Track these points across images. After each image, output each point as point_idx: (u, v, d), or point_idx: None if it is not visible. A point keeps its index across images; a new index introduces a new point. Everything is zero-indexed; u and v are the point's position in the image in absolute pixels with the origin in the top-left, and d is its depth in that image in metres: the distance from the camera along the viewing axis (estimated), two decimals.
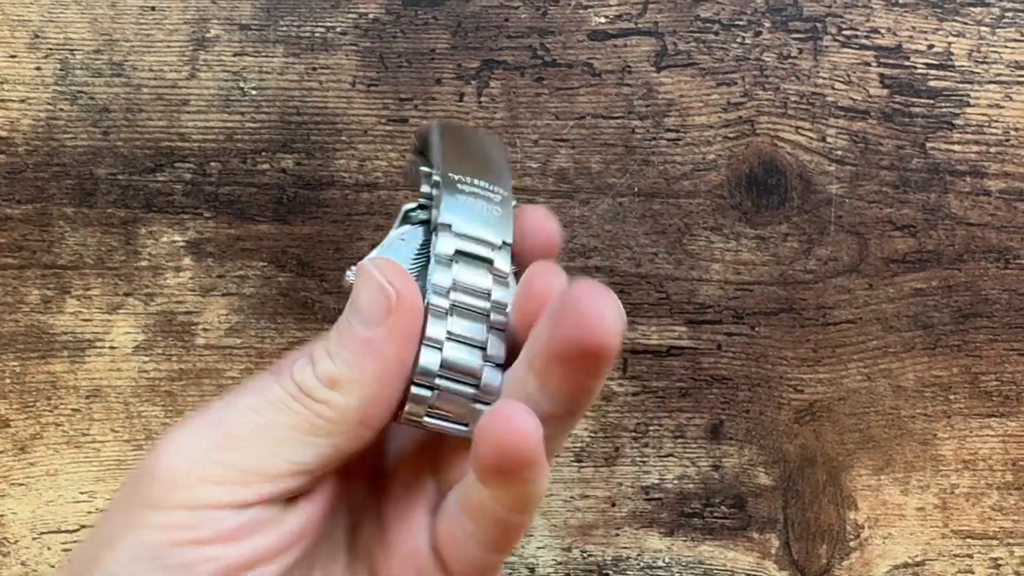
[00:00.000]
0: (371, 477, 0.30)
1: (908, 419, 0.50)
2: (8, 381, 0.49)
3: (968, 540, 0.50)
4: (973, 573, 0.50)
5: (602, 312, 0.24)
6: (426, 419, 0.27)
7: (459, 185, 0.29)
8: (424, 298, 0.27)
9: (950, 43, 0.51)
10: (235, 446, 0.26)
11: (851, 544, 0.50)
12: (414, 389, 0.27)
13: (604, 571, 0.50)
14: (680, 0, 0.50)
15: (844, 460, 0.50)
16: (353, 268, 0.28)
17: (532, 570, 0.49)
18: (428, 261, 0.28)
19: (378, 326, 0.27)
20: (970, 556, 0.50)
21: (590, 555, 0.50)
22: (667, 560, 0.50)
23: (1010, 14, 0.51)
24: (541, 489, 0.25)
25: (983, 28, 0.50)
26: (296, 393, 0.27)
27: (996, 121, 0.50)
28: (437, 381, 0.27)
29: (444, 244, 0.28)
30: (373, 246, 0.30)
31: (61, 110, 0.50)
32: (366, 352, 0.26)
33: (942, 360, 0.50)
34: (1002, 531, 0.50)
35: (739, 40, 0.50)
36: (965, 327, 0.50)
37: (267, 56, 0.50)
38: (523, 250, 0.29)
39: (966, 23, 0.50)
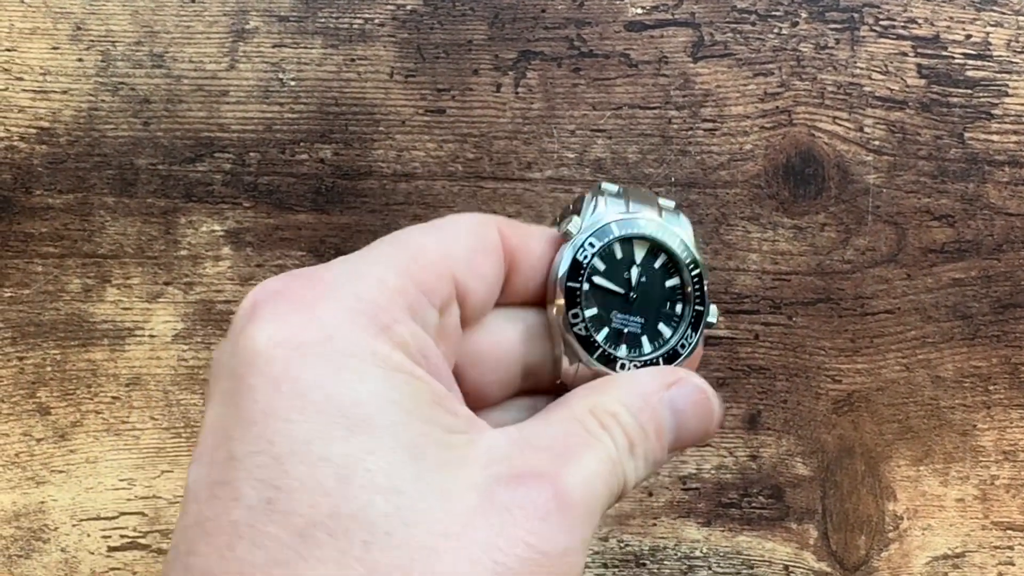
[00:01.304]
0: None
1: (947, 410, 0.50)
2: (49, 369, 0.50)
3: (1009, 532, 0.49)
4: (1014, 565, 0.49)
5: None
6: None
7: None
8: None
9: (988, 33, 0.50)
10: None
11: (890, 535, 0.49)
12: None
13: (641, 561, 0.49)
14: None
15: (883, 451, 0.50)
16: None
17: None
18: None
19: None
20: (1011, 548, 0.49)
21: (627, 545, 0.49)
22: (704, 550, 0.49)
23: None
24: None
25: (1021, 18, 0.50)
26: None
27: None
28: None
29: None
30: None
31: (102, 101, 0.50)
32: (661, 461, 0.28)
33: (981, 350, 0.50)
34: None
35: (776, 30, 0.50)
36: (1004, 317, 0.50)
37: (306, 47, 0.51)
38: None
39: (1004, 13, 0.50)
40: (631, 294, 0.30)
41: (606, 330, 0.30)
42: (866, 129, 0.50)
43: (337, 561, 0.22)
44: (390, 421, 0.24)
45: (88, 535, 0.49)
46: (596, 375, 0.29)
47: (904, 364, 0.50)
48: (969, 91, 0.50)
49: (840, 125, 0.50)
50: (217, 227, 0.50)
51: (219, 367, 0.25)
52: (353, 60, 0.51)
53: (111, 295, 0.50)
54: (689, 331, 0.30)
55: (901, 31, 0.50)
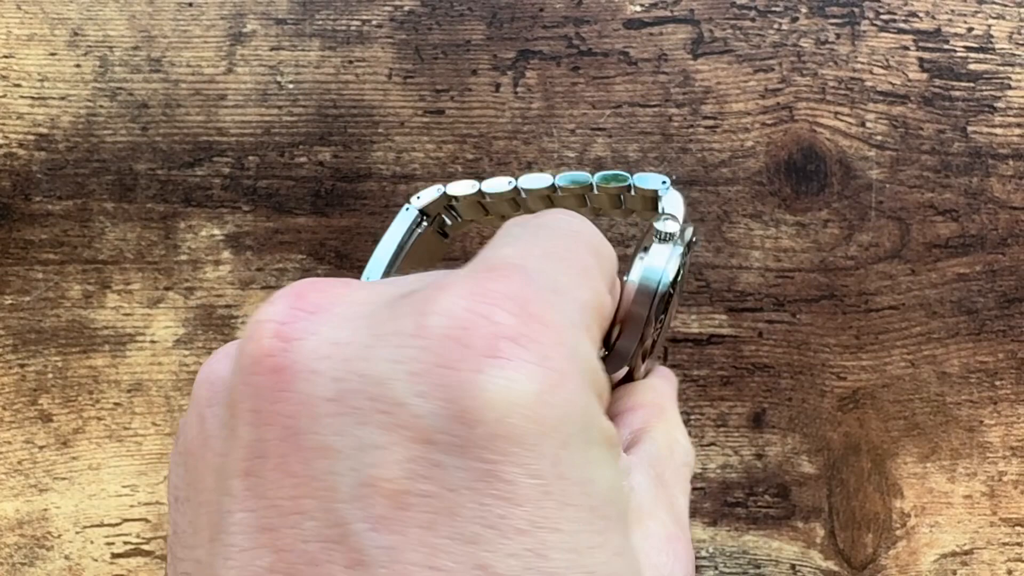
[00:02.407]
0: None
1: (954, 406, 0.49)
2: (50, 376, 0.50)
3: (1017, 528, 0.49)
4: (1023, 561, 0.49)
5: None
6: None
7: None
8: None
9: (990, 25, 0.50)
10: None
11: (897, 533, 0.49)
12: None
13: None
14: None
15: (889, 448, 0.49)
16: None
17: None
18: None
19: None
20: (1020, 544, 0.49)
21: None
22: (711, 550, 0.49)
23: None
24: None
25: (1023, 10, 0.50)
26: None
27: None
28: None
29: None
30: None
31: (101, 106, 0.50)
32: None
33: (987, 345, 0.49)
34: None
35: (776, 26, 0.50)
36: (1010, 312, 0.49)
37: (303, 50, 0.50)
38: None
39: (1006, 5, 0.50)
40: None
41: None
42: (868, 124, 0.50)
43: None
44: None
45: (92, 542, 0.49)
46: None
47: (909, 360, 0.49)
48: (972, 84, 0.50)
49: (842, 120, 0.50)
50: (217, 231, 0.50)
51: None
52: (351, 62, 0.50)
53: (112, 301, 0.50)
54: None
55: (902, 25, 0.50)
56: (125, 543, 0.49)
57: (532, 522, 0.18)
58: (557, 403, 0.18)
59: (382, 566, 0.17)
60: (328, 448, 0.18)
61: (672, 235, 0.27)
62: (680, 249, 0.27)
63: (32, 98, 0.50)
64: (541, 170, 0.50)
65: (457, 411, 0.18)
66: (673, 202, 0.30)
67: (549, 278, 0.20)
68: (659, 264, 0.27)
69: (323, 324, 0.20)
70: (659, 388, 0.28)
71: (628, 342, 0.26)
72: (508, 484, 0.18)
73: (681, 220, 0.28)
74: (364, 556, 0.17)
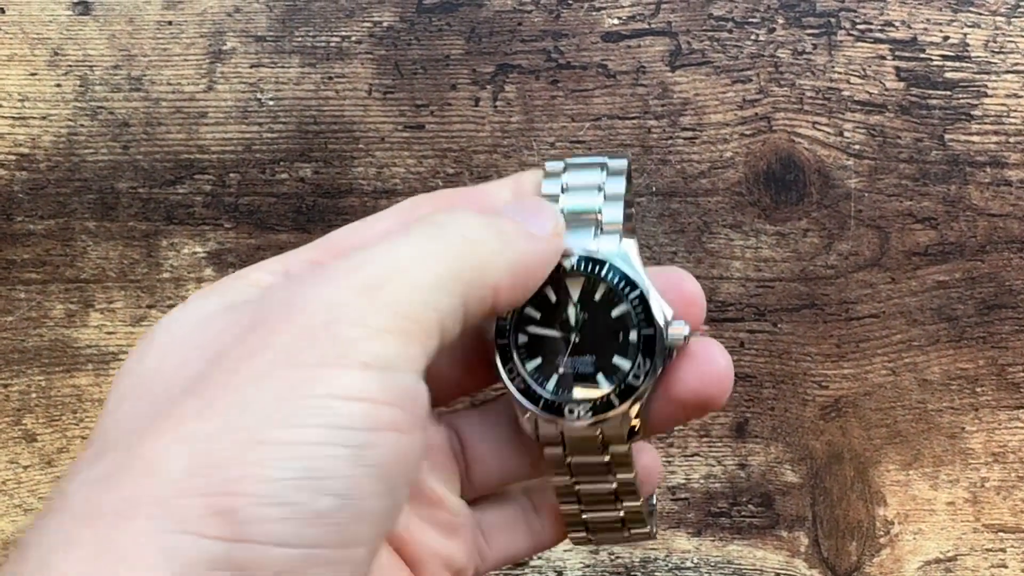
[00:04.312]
0: None
1: (935, 413, 0.49)
2: (34, 395, 0.50)
3: (1000, 534, 0.49)
4: (1007, 567, 0.49)
5: (725, 373, 0.29)
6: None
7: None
8: None
9: (965, 34, 0.50)
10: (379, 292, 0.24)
11: (881, 540, 0.49)
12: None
13: (632, 573, 0.49)
14: None
15: (871, 456, 0.49)
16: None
17: (560, 573, 0.49)
18: None
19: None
20: (1003, 550, 0.49)
21: (618, 557, 0.49)
22: (695, 560, 0.49)
23: None
24: None
25: (998, 18, 0.50)
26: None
27: (1015, 111, 0.50)
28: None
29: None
30: None
31: (82, 126, 0.50)
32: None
33: (968, 352, 0.50)
34: None
35: (753, 37, 0.50)
36: (990, 319, 0.50)
37: (283, 67, 0.51)
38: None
39: (981, 13, 0.50)
40: (572, 336, 0.29)
41: (555, 378, 0.29)
42: (846, 133, 0.50)
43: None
44: None
45: None
46: (564, 429, 0.28)
47: (890, 368, 0.50)
48: (948, 93, 0.50)
49: (820, 130, 0.50)
50: (199, 249, 0.50)
51: None
52: (331, 78, 0.51)
53: (95, 320, 0.50)
54: (641, 358, 0.28)
55: (878, 34, 0.50)
56: None
57: None
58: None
59: None
60: None
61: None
62: None
63: (13, 118, 0.50)
64: None
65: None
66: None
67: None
68: None
69: None
70: None
71: None
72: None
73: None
74: None
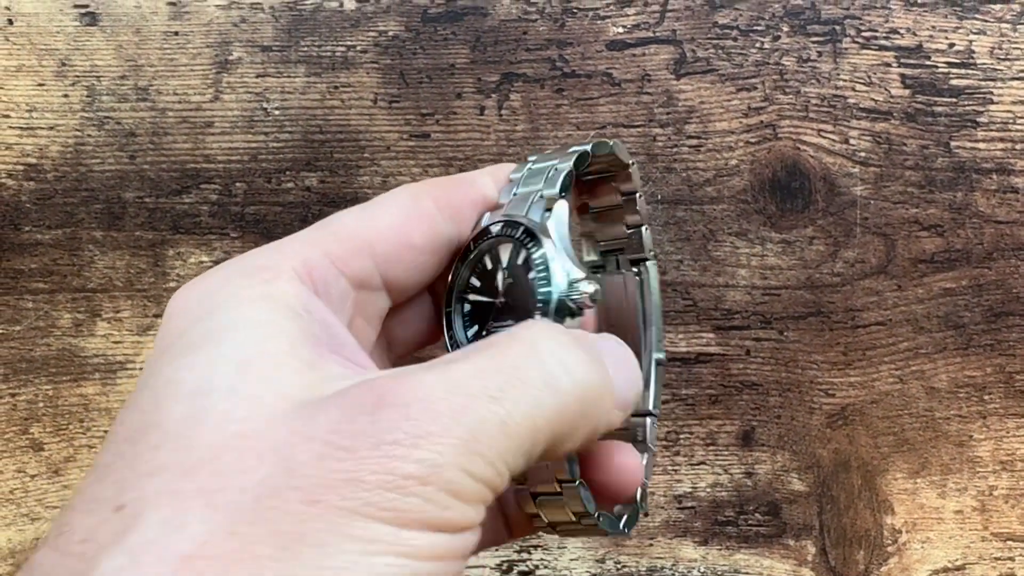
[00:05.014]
0: None
1: (943, 421, 0.49)
2: (41, 405, 0.50)
3: (1009, 542, 0.49)
4: None
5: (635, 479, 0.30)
6: None
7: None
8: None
9: (971, 41, 0.50)
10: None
11: (889, 549, 0.49)
12: None
13: None
14: (698, 7, 0.50)
15: (879, 464, 0.49)
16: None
17: None
18: None
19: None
20: (1012, 559, 0.49)
21: (624, 566, 0.49)
22: (702, 569, 0.49)
23: None
24: None
25: (1004, 25, 0.50)
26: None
27: (1021, 118, 0.50)
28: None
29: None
30: None
31: (89, 136, 0.51)
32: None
33: (975, 360, 0.49)
34: None
35: (758, 45, 0.50)
36: (997, 326, 0.49)
37: (289, 76, 0.51)
38: (604, 484, 0.29)
39: (987, 20, 0.50)
40: (498, 300, 0.29)
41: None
42: (851, 141, 0.50)
43: (131, 467, 0.22)
44: (234, 339, 0.24)
45: None
46: None
47: (897, 376, 0.49)
48: (954, 100, 0.50)
49: (825, 138, 0.50)
50: (205, 258, 0.50)
51: None
52: (336, 87, 0.51)
53: (102, 329, 0.50)
54: (553, 319, 0.28)
55: (883, 42, 0.50)
56: None
57: (153, 360, 0.26)
58: (190, 291, 0.27)
59: None
60: None
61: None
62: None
63: (21, 128, 0.50)
64: None
65: None
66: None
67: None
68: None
69: None
70: None
71: None
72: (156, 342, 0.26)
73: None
74: None
